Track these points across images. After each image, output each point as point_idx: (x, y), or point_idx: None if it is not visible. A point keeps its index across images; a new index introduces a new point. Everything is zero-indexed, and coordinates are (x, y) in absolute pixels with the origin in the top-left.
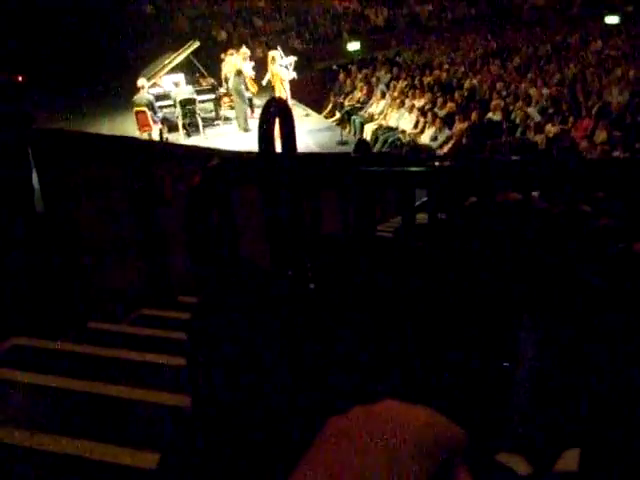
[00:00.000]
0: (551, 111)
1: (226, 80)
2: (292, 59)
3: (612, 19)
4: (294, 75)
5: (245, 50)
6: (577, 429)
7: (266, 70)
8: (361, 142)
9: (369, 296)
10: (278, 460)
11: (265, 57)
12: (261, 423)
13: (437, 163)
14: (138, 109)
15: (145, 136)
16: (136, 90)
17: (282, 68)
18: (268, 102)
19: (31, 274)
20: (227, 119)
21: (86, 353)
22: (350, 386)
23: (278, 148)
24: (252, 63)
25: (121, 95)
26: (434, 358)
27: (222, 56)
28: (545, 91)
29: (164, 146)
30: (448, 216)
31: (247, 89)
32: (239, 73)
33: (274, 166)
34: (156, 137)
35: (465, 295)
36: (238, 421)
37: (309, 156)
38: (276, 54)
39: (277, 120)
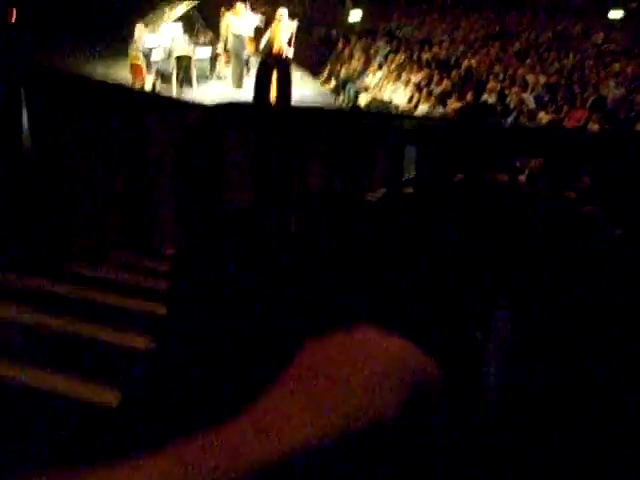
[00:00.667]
0: (546, 99)
1: (225, 39)
2: (294, 25)
3: (616, 14)
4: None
5: (239, 5)
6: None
7: (265, 30)
8: (355, 109)
9: (350, 250)
10: (251, 384)
11: (266, 16)
12: (233, 348)
13: (427, 122)
14: (134, 62)
15: (137, 86)
16: (132, 37)
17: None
18: (266, 55)
19: (12, 210)
20: (221, 76)
21: (62, 293)
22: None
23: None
24: (250, 15)
25: (117, 40)
26: (413, 323)
27: (222, 10)
28: (542, 78)
29: (156, 97)
30: (434, 189)
31: (244, 48)
32: (236, 35)
33: (268, 111)
34: (149, 88)
35: (444, 266)
36: (209, 347)
37: (302, 109)
38: (284, 13)
39: (274, 73)
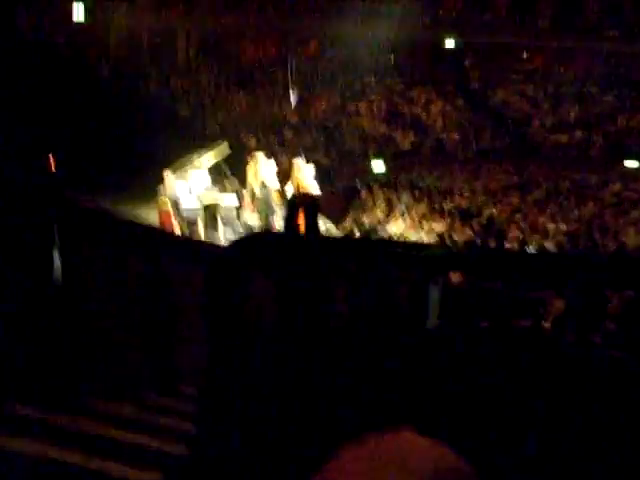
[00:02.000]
0: (568, 247)
1: (251, 188)
2: (312, 168)
3: (632, 163)
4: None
5: (256, 154)
6: None
7: (287, 180)
8: None
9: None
10: None
11: (290, 168)
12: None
13: (455, 253)
14: (162, 208)
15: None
16: (161, 181)
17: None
18: (292, 195)
19: (39, 343)
20: (248, 225)
21: (80, 427)
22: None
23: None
24: (272, 162)
25: (147, 183)
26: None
27: (247, 159)
28: (563, 227)
29: (179, 239)
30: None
31: (272, 199)
32: (263, 185)
33: (297, 251)
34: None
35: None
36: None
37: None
38: (299, 162)
39: (301, 213)
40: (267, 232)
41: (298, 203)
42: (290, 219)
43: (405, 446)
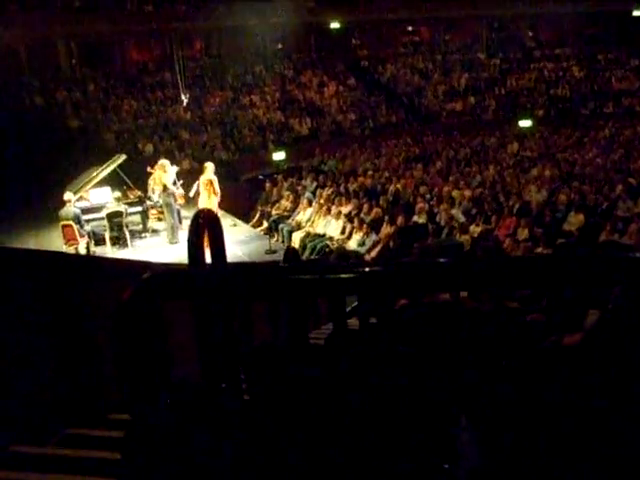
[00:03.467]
0: (474, 212)
1: (153, 192)
2: (175, 169)
3: (525, 122)
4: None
5: (162, 162)
6: None
7: (193, 182)
8: (289, 250)
9: (305, 405)
10: None
11: (191, 169)
12: None
13: (367, 269)
14: (64, 223)
15: (72, 250)
16: (62, 204)
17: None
18: (196, 213)
19: None
20: (155, 231)
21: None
22: None
23: (208, 259)
24: (174, 168)
25: (47, 209)
26: (376, 466)
27: (148, 169)
28: (467, 192)
29: (89, 259)
30: (379, 320)
31: (176, 201)
32: (165, 188)
33: (204, 278)
34: (82, 251)
35: (401, 399)
36: None
37: (239, 266)
38: (210, 166)
39: (206, 231)
40: (170, 271)
41: (202, 222)
42: (195, 236)
43: None
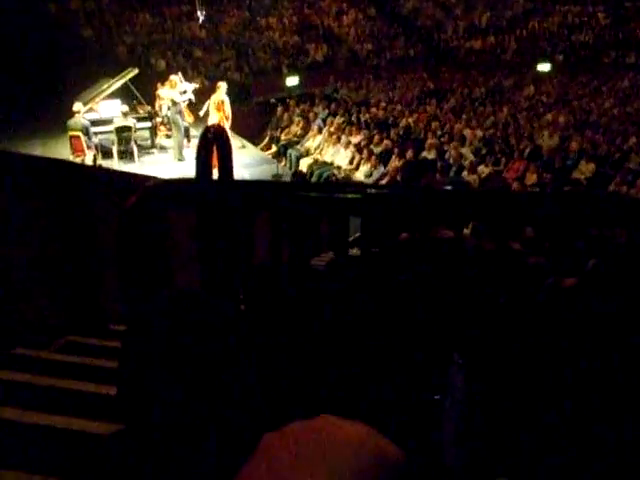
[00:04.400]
0: (484, 152)
1: (160, 109)
2: (193, 86)
3: (544, 67)
4: (191, 97)
5: (173, 77)
6: (504, 458)
7: (203, 101)
8: (297, 174)
9: (301, 325)
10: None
11: (203, 87)
12: (192, 441)
13: (374, 190)
14: (73, 134)
15: (78, 161)
16: (71, 114)
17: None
18: (206, 129)
19: None
20: (162, 148)
21: (11, 379)
22: (282, 407)
23: (215, 176)
24: (185, 84)
25: (56, 118)
26: (367, 388)
27: (158, 85)
28: (479, 132)
29: (96, 170)
30: (381, 250)
31: (183, 119)
32: (174, 103)
33: (210, 191)
34: (89, 162)
35: (396, 329)
36: (168, 442)
37: (245, 182)
38: (223, 85)
39: (214, 147)
40: (176, 181)
41: (211, 138)
42: (204, 152)
43: (328, 433)
